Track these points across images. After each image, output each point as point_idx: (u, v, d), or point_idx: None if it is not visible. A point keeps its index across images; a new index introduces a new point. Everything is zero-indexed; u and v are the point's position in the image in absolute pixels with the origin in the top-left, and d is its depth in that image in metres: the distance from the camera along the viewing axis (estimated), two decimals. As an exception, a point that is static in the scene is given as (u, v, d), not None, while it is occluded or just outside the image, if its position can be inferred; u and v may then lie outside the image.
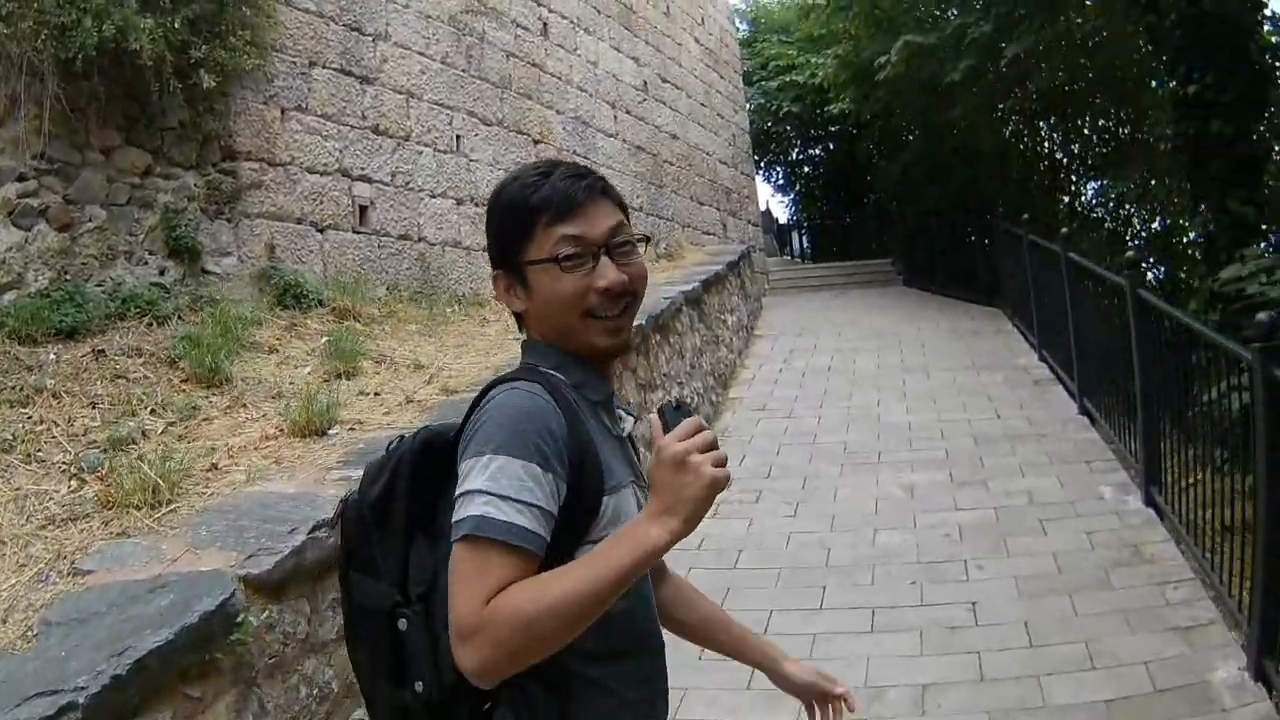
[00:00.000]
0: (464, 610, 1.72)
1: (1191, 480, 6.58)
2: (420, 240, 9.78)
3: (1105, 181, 19.44)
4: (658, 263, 14.60)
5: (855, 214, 28.00)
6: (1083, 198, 20.56)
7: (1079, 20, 15.96)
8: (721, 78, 20.67)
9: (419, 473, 2.00)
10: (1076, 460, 8.75)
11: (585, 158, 13.62)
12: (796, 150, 30.74)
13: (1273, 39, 11.60)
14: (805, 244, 30.03)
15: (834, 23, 20.23)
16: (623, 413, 2.16)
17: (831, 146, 29.03)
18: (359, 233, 8.95)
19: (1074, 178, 20.46)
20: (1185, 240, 17.37)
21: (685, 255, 15.48)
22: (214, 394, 5.79)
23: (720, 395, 11.74)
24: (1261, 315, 5.24)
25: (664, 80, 17.26)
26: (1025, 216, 13.66)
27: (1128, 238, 19.38)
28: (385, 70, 9.59)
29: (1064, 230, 10.83)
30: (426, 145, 10.13)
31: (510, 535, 1.76)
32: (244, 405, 5.73)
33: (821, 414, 10.74)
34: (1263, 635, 5.01)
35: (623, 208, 2.09)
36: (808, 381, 12.36)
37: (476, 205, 10.59)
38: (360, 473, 2.14)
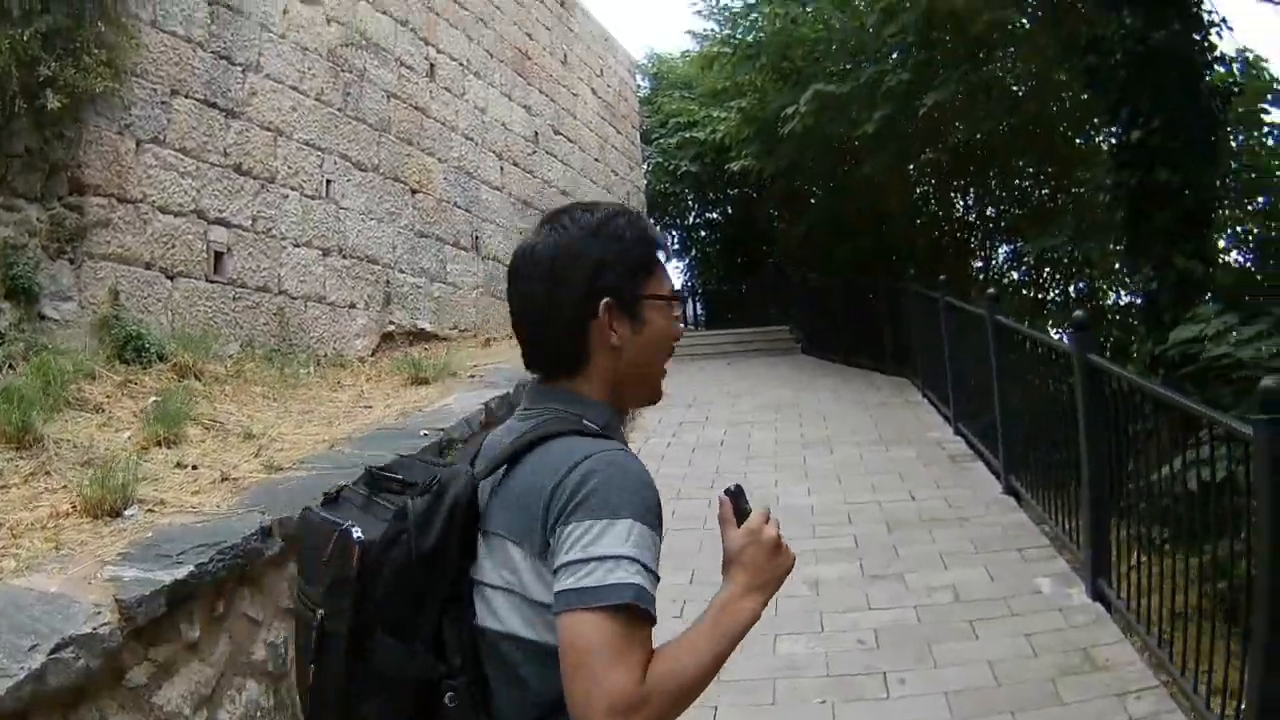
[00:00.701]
0: (626, 683, 1.66)
1: (1145, 568, 5.69)
2: (280, 293, 8.90)
3: (1019, 244, 18.53)
4: None
5: (753, 279, 26.92)
6: (995, 261, 19.71)
7: (1008, 66, 15.33)
8: (618, 132, 19.72)
9: (471, 521, 1.90)
10: (1006, 547, 7.63)
11: (467, 210, 12.74)
12: (694, 213, 29.89)
13: (1225, 79, 10.61)
14: (701, 311, 29.08)
15: (739, 74, 19.23)
16: None
17: (730, 210, 28.38)
18: (213, 282, 8.22)
19: (987, 240, 19.67)
20: (1110, 303, 16.51)
21: (568, 319, 14.17)
22: (21, 457, 5.10)
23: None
24: (1268, 381, 4.28)
25: (557, 132, 16.38)
26: (942, 278, 12.60)
27: (1046, 301, 18.55)
28: (254, 104, 8.81)
29: (990, 291, 9.74)
30: (293, 189, 9.27)
31: (652, 607, 1.74)
32: (48, 472, 5.00)
33: (712, 495, 9.31)
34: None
35: None
36: (698, 458, 11.04)
37: (344, 257, 9.86)
38: (137, 571, 2.35)
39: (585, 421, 1.91)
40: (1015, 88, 15.87)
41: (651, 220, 2.24)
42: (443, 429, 6.20)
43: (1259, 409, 4.22)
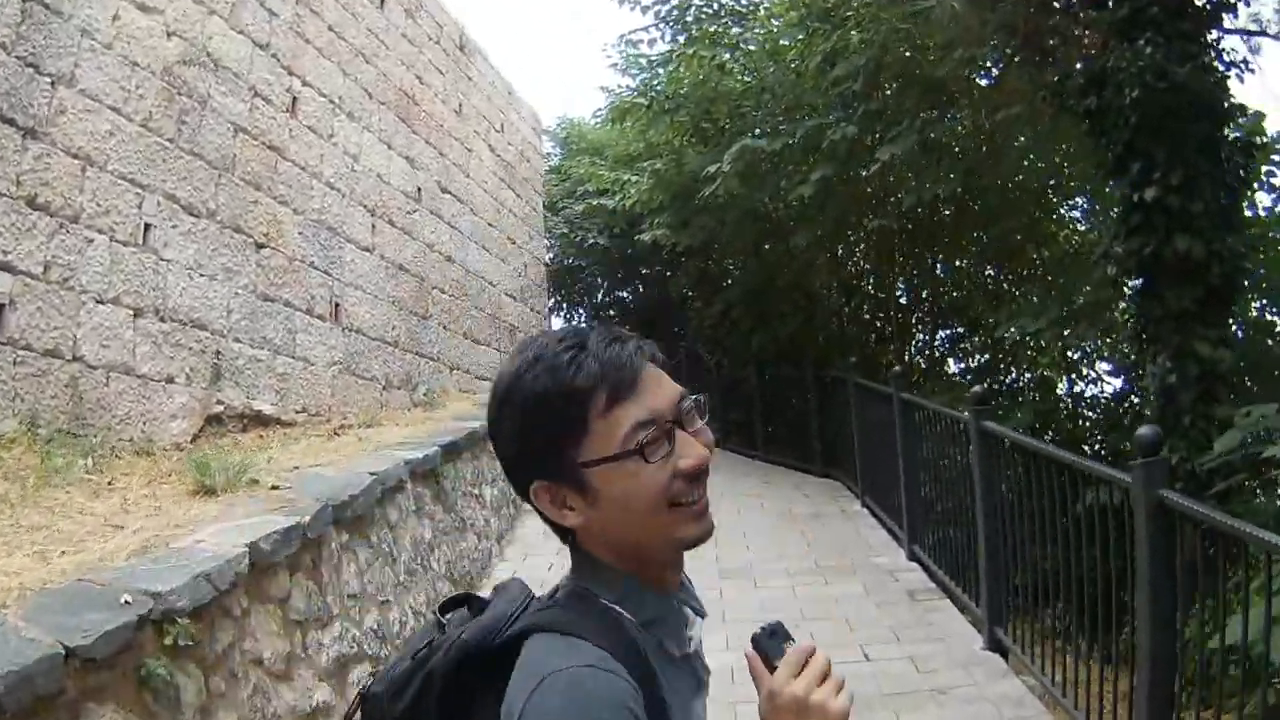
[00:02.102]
0: None
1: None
2: (75, 359, 6.79)
3: (961, 329, 16.60)
4: (410, 411, 11.31)
5: (665, 364, 24.52)
6: (936, 347, 17.62)
7: (973, 117, 13.21)
8: (518, 196, 17.43)
9: (449, 690, 1.68)
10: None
11: (326, 272, 10.33)
12: (602, 291, 27.63)
13: (1252, 131, 8.57)
14: (606, 399, 26.96)
15: (654, 131, 17.02)
16: (689, 611, 1.75)
17: (640, 288, 26.16)
18: None
19: (933, 323, 17.47)
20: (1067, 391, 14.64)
21: (449, 404, 12.08)
22: None
23: (458, 609, 8.00)
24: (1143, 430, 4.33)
25: (444, 190, 13.92)
26: (896, 369, 10.49)
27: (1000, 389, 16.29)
28: (60, 124, 6.82)
29: (977, 390, 7.42)
30: (101, 232, 7.14)
31: None
32: None
33: (601, 642, 7.03)
34: None
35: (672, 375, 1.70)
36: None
37: (163, 320, 7.68)
38: None
39: (598, 599, 1.64)
40: (979, 142, 13.86)
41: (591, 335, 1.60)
42: (159, 592, 3.86)
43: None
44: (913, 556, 8.89)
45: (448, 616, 1.87)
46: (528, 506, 7.65)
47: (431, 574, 7.61)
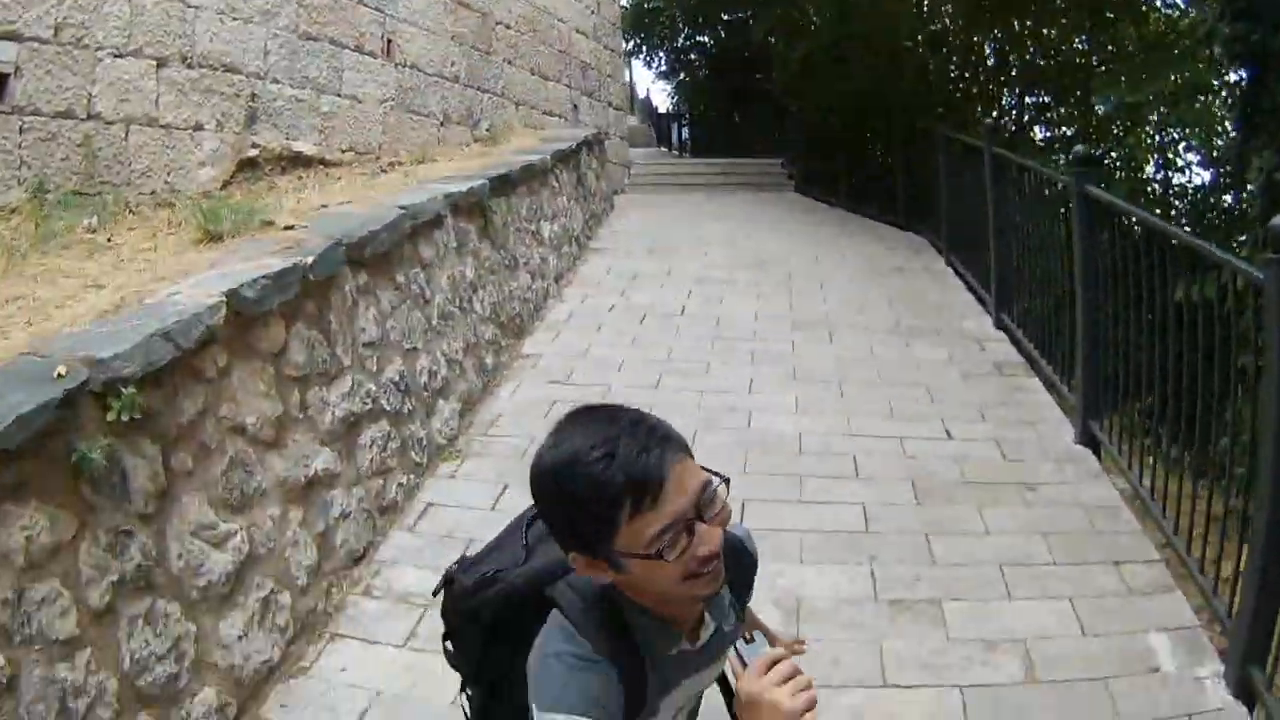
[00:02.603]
0: None
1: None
2: (90, 118, 6.35)
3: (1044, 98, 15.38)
4: (469, 147, 10.55)
5: (745, 107, 23.51)
6: (1025, 111, 16.53)
7: None
8: (591, -75, 16.16)
9: (498, 617, 2.08)
10: (1097, 558, 4.75)
11: (378, 9, 9.46)
12: (683, 35, 26.58)
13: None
14: (686, 136, 26.20)
15: None
16: (709, 618, 2.03)
17: (722, 33, 24.83)
18: None
19: (1021, 89, 16.38)
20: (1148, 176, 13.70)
21: (512, 139, 11.19)
22: None
23: (504, 351, 7.47)
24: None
25: (512, -85, 12.73)
26: (988, 122, 9.55)
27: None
28: None
29: (1079, 147, 6.49)
30: None
31: None
32: None
33: (656, 400, 6.41)
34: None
35: (693, 464, 1.84)
36: (646, 333, 8.13)
37: (190, 67, 7.13)
38: None
39: (613, 607, 1.94)
40: None
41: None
42: (102, 359, 3.20)
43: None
44: (999, 324, 8.16)
45: (529, 535, 2.15)
46: (593, 245, 6.88)
47: (473, 317, 6.97)
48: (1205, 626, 4.13)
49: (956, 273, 9.95)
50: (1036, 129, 16.68)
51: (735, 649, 1.95)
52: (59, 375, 3.08)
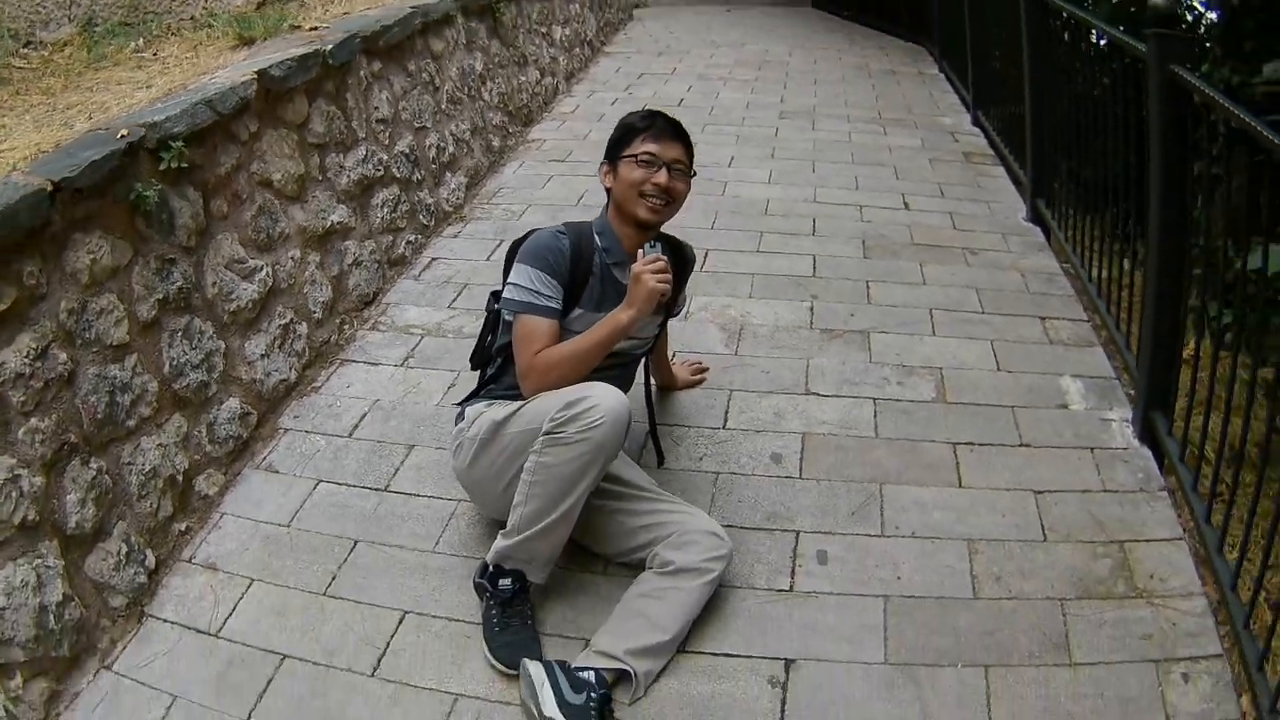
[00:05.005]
0: (523, 361, 3.14)
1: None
2: None
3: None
4: None
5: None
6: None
7: None
8: None
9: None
10: (1023, 311, 5.02)
11: None
12: None
13: None
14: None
15: None
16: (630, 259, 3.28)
17: None
18: None
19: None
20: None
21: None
22: None
23: (512, 137, 7.70)
24: None
25: None
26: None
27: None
28: None
29: None
30: None
31: (540, 311, 3.18)
32: None
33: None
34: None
35: (689, 150, 3.40)
36: (645, 120, 8.20)
37: None
38: None
39: (588, 222, 3.45)
40: None
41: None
42: (153, 122, 3.61)
43: None
44: (976, 122, 8.23)
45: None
46: (606, 49, 7.11)
47: (481, 104, 7.18)
48: (1123, 384, 4.34)
49: (948, 78, 9.97)
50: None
51: (641, 250, 3.19)
52: (121, 136, 3.47)
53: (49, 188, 3.06)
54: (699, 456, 3.86)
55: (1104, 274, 4.70)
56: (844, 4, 15.53)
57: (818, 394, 4.22)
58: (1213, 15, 10.09)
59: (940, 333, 4.72)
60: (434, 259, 5.64)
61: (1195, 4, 9.96)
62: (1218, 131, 3.29)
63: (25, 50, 5.68)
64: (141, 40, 6.02)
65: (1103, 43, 4.99)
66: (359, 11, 6.40)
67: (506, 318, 3.28)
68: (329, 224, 4.84)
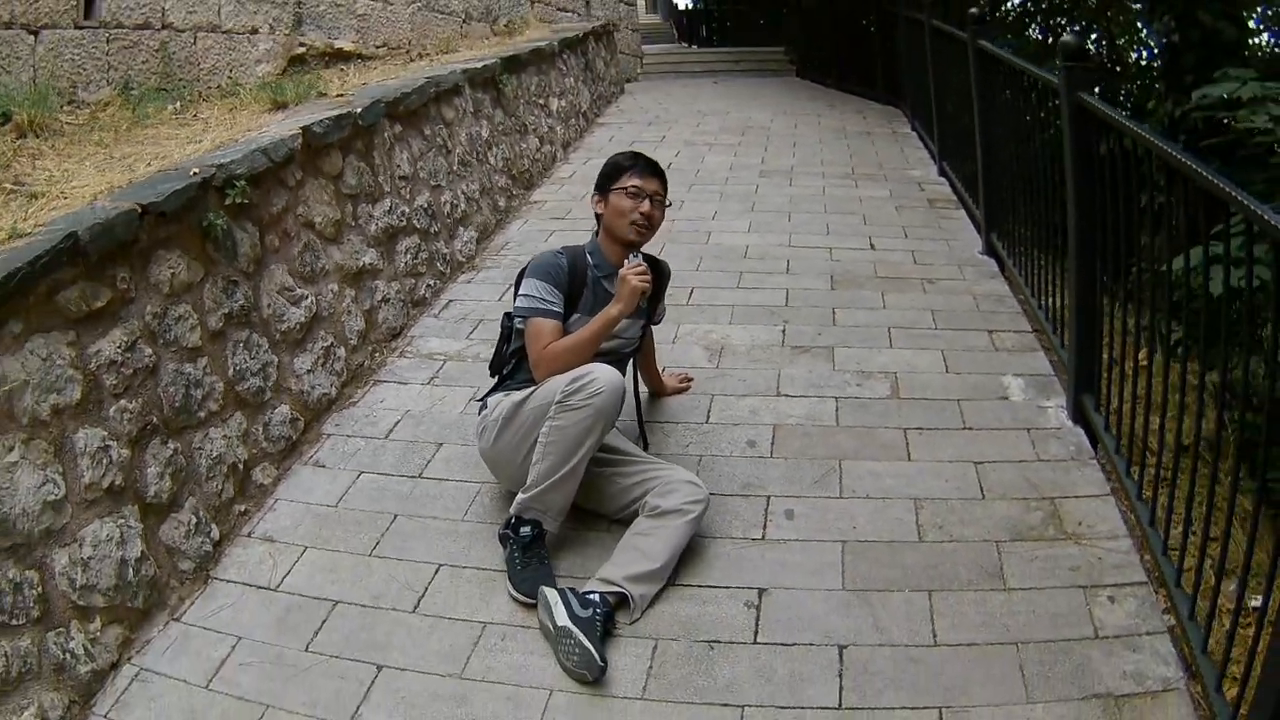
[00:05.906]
0: (534, 353, 3.79)
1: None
2: (164, 28, 7.40)
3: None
4: (489, 40, 11.18)
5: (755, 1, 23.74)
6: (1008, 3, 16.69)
7: None
8: None
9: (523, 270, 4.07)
10: (974, 326, 5.63)
11: None
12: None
13: None
14: (704, 32, 26.28)
15: None
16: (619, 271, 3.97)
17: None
18: (82, 28, 6.71)
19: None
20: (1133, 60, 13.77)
21: (527, 32, 12.00)
22: None
23: (516, 199, 8.40)
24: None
25: None
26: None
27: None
28: None
29: (973, 10, 7.10)
30: None
31: (546, 314, 3.85)
32: None
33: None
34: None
35: (664, 184, 4.14)
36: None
37: None
38: None
39: (582, 245, 4.16)
40: None
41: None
42: (220, 164, 4.35)
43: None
44: (942, 172, 8.89)
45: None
46: (600, 120, 8.04)
47: (487, 167, 7.85)
48: (1060, 381, 4.88)
49: (918, 134, 10.66)
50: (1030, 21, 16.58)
51: (626, 258, 3.88)
52: (194, 173, 4.18)
53: (138, 210, 3.70)
54: (685, 444, 4.46)
55: (1041, 283, 5.32)
56: (826, 72, 16.32)
57: (788, 395, 4.83)
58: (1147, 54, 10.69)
59: (896, 345, 5.33)
60: (451, 300, 6.29)
61: (1148, 43, 10.62)
62: (1124, 148, 3.79)
63: (69, 107, 6.30)
64: (179, 104, 6.69)
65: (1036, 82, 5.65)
66: (375, 81, 7.16)
67: (518, 325, 3.92)
68: (361, 264, 5.50)
